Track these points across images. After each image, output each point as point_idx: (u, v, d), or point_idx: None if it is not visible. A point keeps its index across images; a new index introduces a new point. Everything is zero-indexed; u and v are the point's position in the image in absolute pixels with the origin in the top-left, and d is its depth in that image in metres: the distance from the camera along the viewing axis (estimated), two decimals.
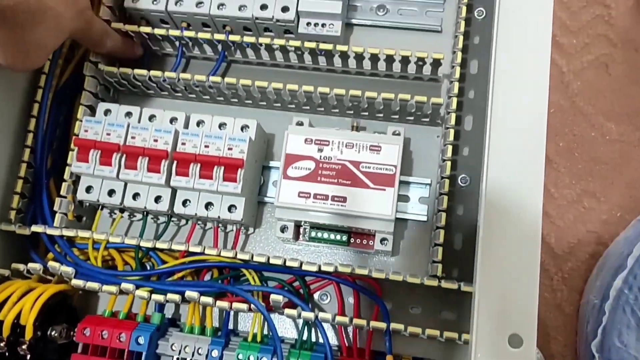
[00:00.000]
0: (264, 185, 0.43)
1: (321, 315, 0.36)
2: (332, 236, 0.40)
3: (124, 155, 0.39)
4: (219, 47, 0.43)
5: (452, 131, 0.39)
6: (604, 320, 0.37)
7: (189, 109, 0.45)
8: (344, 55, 0.41)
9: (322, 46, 0.40)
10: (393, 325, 0.35)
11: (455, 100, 0.39)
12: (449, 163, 0.38)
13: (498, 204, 0.31)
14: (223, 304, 0.37)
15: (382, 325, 0.35)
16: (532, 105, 0.33)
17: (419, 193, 0.42)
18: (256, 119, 0.41)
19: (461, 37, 0.40)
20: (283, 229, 0.40)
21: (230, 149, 0.39)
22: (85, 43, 0.41)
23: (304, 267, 0.37)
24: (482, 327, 0.28)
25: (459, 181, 0.41)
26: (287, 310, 0.37)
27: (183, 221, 0.44)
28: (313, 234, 0.40)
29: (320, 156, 0.39)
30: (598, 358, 0.36)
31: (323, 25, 0.42)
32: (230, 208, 0.39)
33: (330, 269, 0.37)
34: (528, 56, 0.33)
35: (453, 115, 0.39)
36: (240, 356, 0.36)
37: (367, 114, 0.43)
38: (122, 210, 0.42)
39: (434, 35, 0.45)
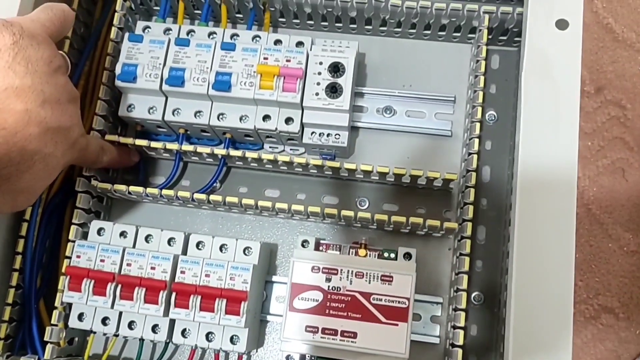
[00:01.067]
0: (266, 301, 0.41)
1: None
2: None
3: (120, 286, 0.36)
4: (219, 155, 0.41)
5: (466, 269, 0.36)
6: None
7: (188, 216, 0.43)
8: (351, 171, 0.39)
9: (329, 164, 0.38)
10: None
11: (469, 225, 0.37)
12: (464, 295, 0.36)
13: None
14: None
15: None
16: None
17: (431, 312, 0.40)
18: (258, 226, 0.39)
19: (476, 141, 0.38)
20: (288, 359, 0.38)
21: (232, 278, 0.36)
22: (81, 164, 0.39)
23: None
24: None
25: (473, 299, 0.39)
26: None
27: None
28: None
29: (329, 286, 0.36)
30: None
31: (329, 135, 0.40)
32: (233, 338, 0.37)
33: None
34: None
35: (469, 225, 0.37)
36: None
37: (375, 227, 0.41)
38: (116, 335, 0.40)
39: (444, 139, 0.43)
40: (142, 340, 0.39)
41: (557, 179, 0.34)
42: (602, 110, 0.44)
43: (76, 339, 0.41)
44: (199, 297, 0.36)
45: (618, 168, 0.43)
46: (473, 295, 0.39)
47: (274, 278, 0.41)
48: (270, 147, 0.43)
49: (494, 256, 0.40)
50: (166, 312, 0.36)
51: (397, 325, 0.35)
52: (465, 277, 0.37)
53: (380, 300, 0.36)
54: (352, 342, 0.35)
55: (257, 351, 0.41)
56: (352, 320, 0.36)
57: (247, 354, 0.40)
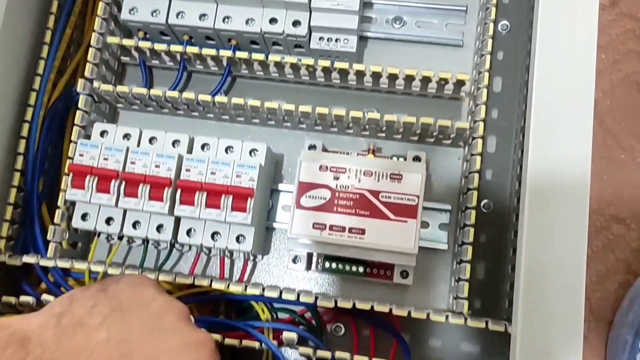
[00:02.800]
0: (272, 210, 0.40)
1: (338, 354, 0.34)
2: (347, 267, 0.38)
3: (124, 183, 0.36)
4: (224, 61, 0.40)
5: (478, 159, 0.36)
6: (638, 358, 0.35)
7: (192, 127, 0.42)
8: (360, 73, 0.38)
9: (338, 65, 0.37)
10: None
11: (481, 125, 0.36)
12: (475, 193, 0.36)
13: (540, 241, 0.29)
14: (232, 341, 0.35)
15: None
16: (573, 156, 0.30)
17: (439, 219, 0.39)
18: (264, 138, 0.38)
19: (488, 57, 0.37)
20: (295, 260, 0.38)
21: (238, 176, 0.36)
22: None
23: (320, 303, 0.35)
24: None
25: (482, 207, 0.39)
26: (301, 349, 0.34)
27: (186, 247, 0.41)
28: (327, 264, 0.38)
29: (337, 185, 0.36)
30: None
31: (337, 40, 0.39)
32: (239, 238, 0.37)
33: (348, 305, 0.34)
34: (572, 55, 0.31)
35: (479, 142, 0.36)
36: None
37: (384, 135, 0.40)
38: (120, 237, 0.39)
39: (454, 49, 0.42)
40: (146, 242, 0.38)
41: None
42: (617, 23, 0.43)
43: (79, 244, 0.40)
44: (205, 194, 0.35)
45: (633, 81, 0.43)
46: (483, 203, 0.39)
47: (280, 187, 0.40)
48: None
49: (505, 166, 0.39)
50: (171, 210, 0.36)
51: (406, 222, 0.35)
52: (475, 193, 0.36)
53: (389, 197, 0.35)
54: (360, 238, 0.35)
55: (262, 258, 0.41)
56: (361, 217, 0.35)
57: (252, 256, 0.40)
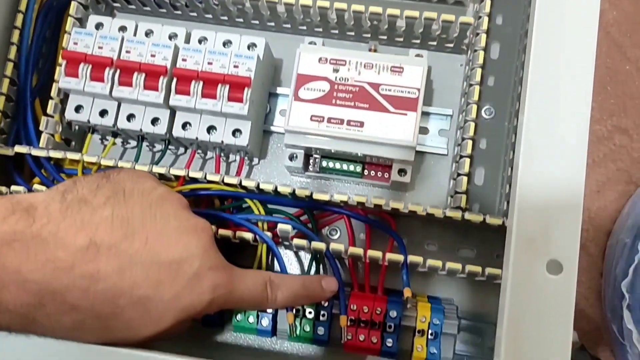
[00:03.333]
0: (270, 114, 0.40)
1: (332, 246, 0.34)
2: (344, 166, 0.37)
3: (118, 71, 0.35)
4: None
5: (481, 54, 0.35)
6: (637, 259, 0.34)
7: (190, 27, 0.41)
8: None
9: None
10: (411, 258, 0.33)
11: (486, 20, 0.36)
12: (477, 88, 0.35)
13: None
14: (226, 232, 0.34)
15: (399, 257, 0.33)
16: (578, 52, 0.29)
17: (439, 125, 0.39)
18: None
19: None
20: (292, 157, 0.37)
21: (236, 66, 0.35)
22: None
23: (316, 196, 0.34)
24: (518, 251, 0.26)
25: (483, 113, 0.38)
26: (296, 240, 0.34)
27: (181, 149, 0.40)
28: (324, 163, 0.37)
29: (336, 77, 0.35)
30: (629, 298, 0.34)
31: None
32: (235, 132, 0.36)
33: (344, 198, 0.34)
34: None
35: (483, 37, 0.35)
36: None
37: (385, 37, 0.39)
38: (114, 135, 0.39)
39: None
40: (140, 141, 0.38)
41: None
42: None
43: (73, 142, 0.40)
44: (201, 83, 0.34)
45: None
46: (484, 109, 0.38)
47: (279, 90, 0.39)
48: None
49: (507, 73, 0.38)
50: (166, 100, 0.35)
51: (405, 114, 0.34)
52: (477, 88, 0.35)
53: (390, 90, 0.35)
54: (358, 130, 0.34)
55: (258, 162, 0.40)
56: (360, 109, 0.34)
57: (248, 157, 0.39)
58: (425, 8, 0.40)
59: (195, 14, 0.41)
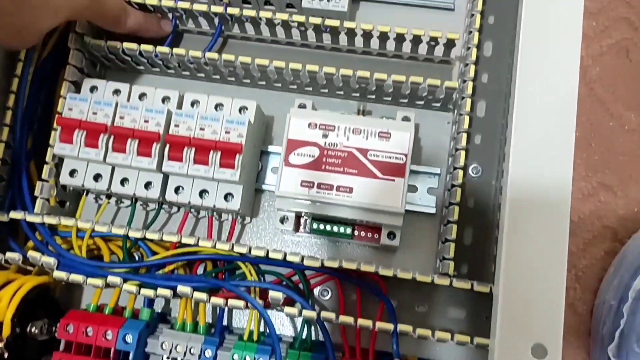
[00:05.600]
0: (262, 172, 0.40)
1: (324, 314, 0.34)
2: (335, 228, 0.38)
3: (112, 137, 0.36)
4: (216, 20, 0.40)
5: (466, 118, 0.36)
6: (622, 324, 0.35)
7: (182, 87, 0.41)
8: (351, 33, 0.38)
9: (329, 22, 0.37)
10: (401, 327, 0.33)
11: (470, 84, 0.36)
12: (462, 153, 0.36)
13: (523, 199, 0.29)
14: (218, 300, 0.35)
15: (389, 326, 0.33)
16: (561, 89, 0.30)
17: (428, 183, 0.39)
18: (255, 99, 0.38)
19: (478, 16, 0.37)
20: (283, 220, 0.38)
21: (227, 132, 0.36)
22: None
23: (306, 263, 0.35)
24: (504, 335, 0.26)
25: (470, 171, 0.38)
26: (287, 309, 0.34)
27: (175, 208, 0.41)
28: (315, 225, 0.38)
29: (325, 142, 0.36)
30: None
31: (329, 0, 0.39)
32: (227, 196, 0.37)
33: (334, 264, 0.34)
34: (557, 37, 0.31)
35: (468, 101, 0.36)
36: (235, 356, 0.34)
37: (374, 97, 0.40)
38: (108, 196, 0.39)
39: (445, 13, 0.42)
40: (134, 202, 0.38)
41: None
42: None
43: (68, 203, 0.40)
44: (193, 149, 0.35)
45: (622, 48, 0.42)
46: (471, 167, 0.39)
47: (270, 148, 0.40)
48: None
49: (495, 130, 0.39)
50: (159, 166, 0.36)
51: (393, 180, 0.35)
52: (463, 153, 0.36)
53: (377, 156, 0.35)
54: (347, 196, 0.35)
55: (251, 221, 0.41)
56: (349, 175, 0.35)
57: (240, 217, 0.40)
58: (412, 67, 0.41)
59: (187, 73, 0.41)
